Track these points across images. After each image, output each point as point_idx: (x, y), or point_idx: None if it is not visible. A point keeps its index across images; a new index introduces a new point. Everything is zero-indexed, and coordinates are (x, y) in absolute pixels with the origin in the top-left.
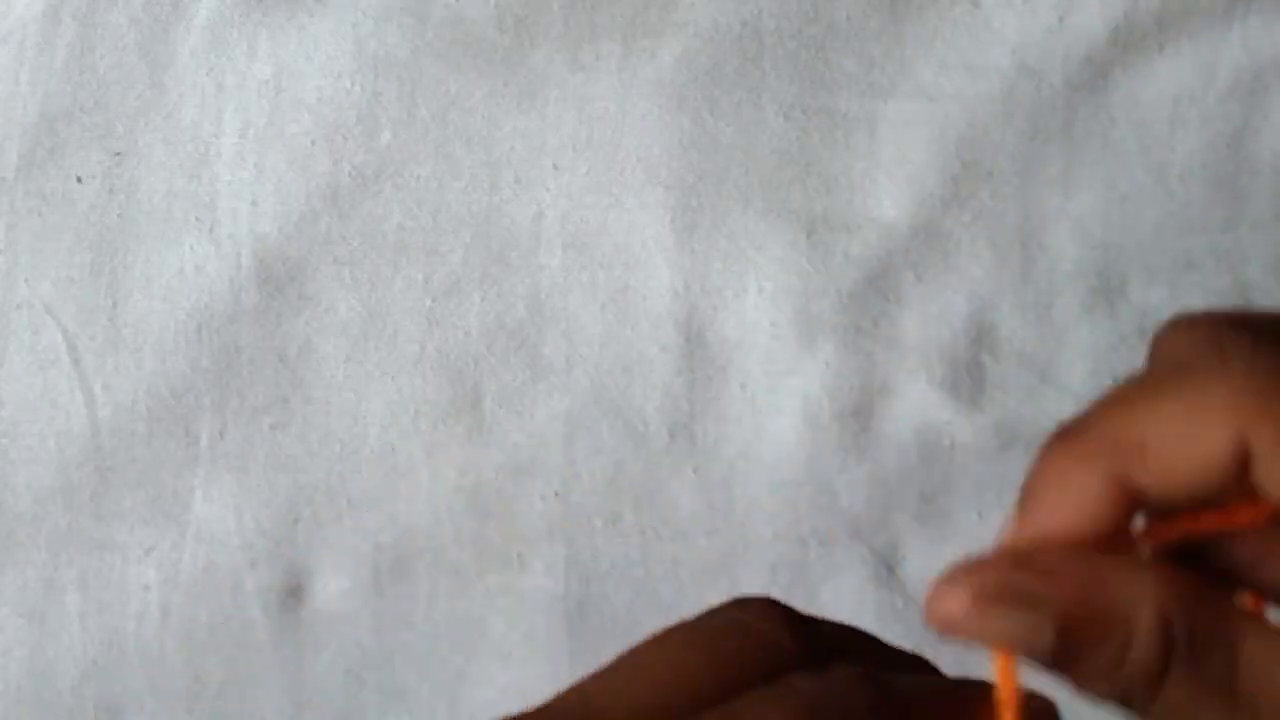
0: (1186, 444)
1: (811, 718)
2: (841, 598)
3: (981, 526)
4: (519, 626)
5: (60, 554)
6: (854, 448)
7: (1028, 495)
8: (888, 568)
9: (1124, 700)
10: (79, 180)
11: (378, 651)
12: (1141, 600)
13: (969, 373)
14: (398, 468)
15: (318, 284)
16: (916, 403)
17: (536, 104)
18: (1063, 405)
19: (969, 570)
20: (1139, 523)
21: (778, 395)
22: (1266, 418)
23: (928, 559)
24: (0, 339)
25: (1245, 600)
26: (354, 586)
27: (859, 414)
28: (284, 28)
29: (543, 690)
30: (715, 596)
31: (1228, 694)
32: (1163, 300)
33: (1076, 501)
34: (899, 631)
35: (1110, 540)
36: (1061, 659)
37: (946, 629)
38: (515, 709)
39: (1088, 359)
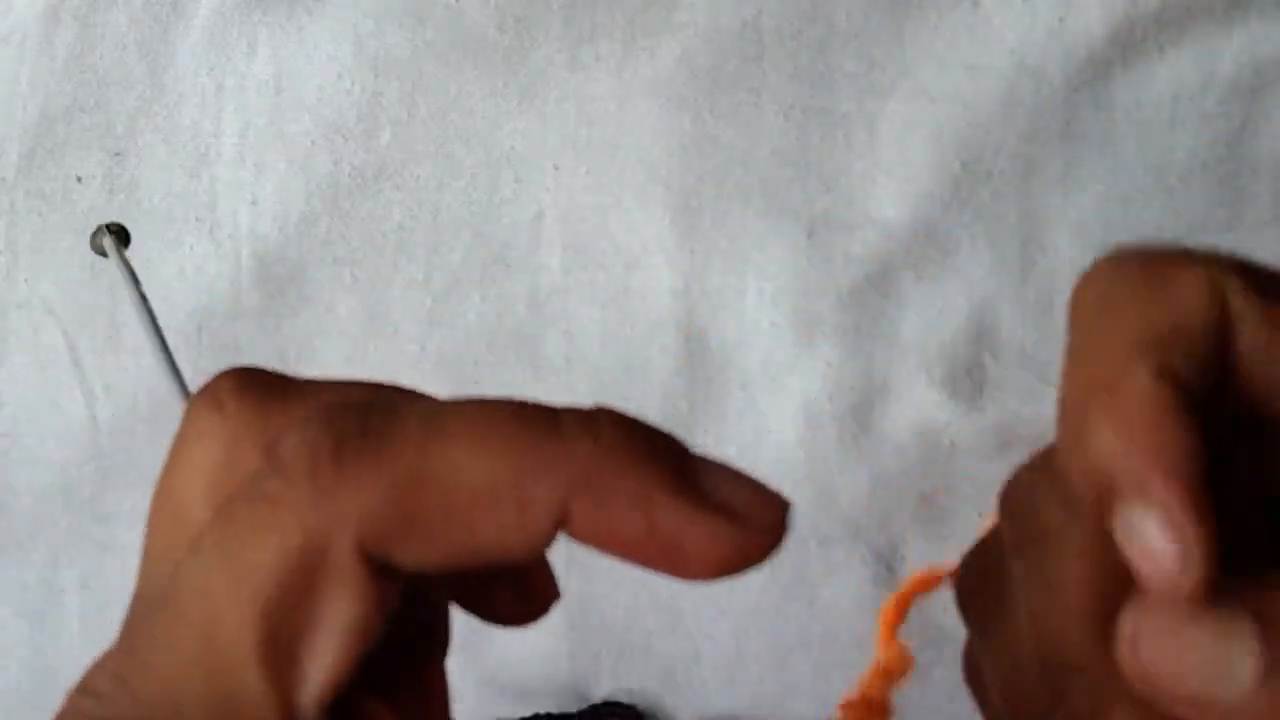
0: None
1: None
2: (841, 598)
3: (981, 526)
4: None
5: (60, 554)
6: (854, 448)
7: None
8: (888, 568)
9: None
10: (79, 180)
11: None
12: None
13: (969, 373)
14: None
15: (318, 284)
16: (916, 403)
17: (536, 104)
18: None
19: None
20: None
21: (778, 395)
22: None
23: (928, 559)
24: (0, 339)
25: None
26: None
27: (859, 414)
28: (284, 28)
29: (543, 690)
30: (715, 596)
31: None
32: None
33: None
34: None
35: None
36: None
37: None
38: (516, 709)
39: None
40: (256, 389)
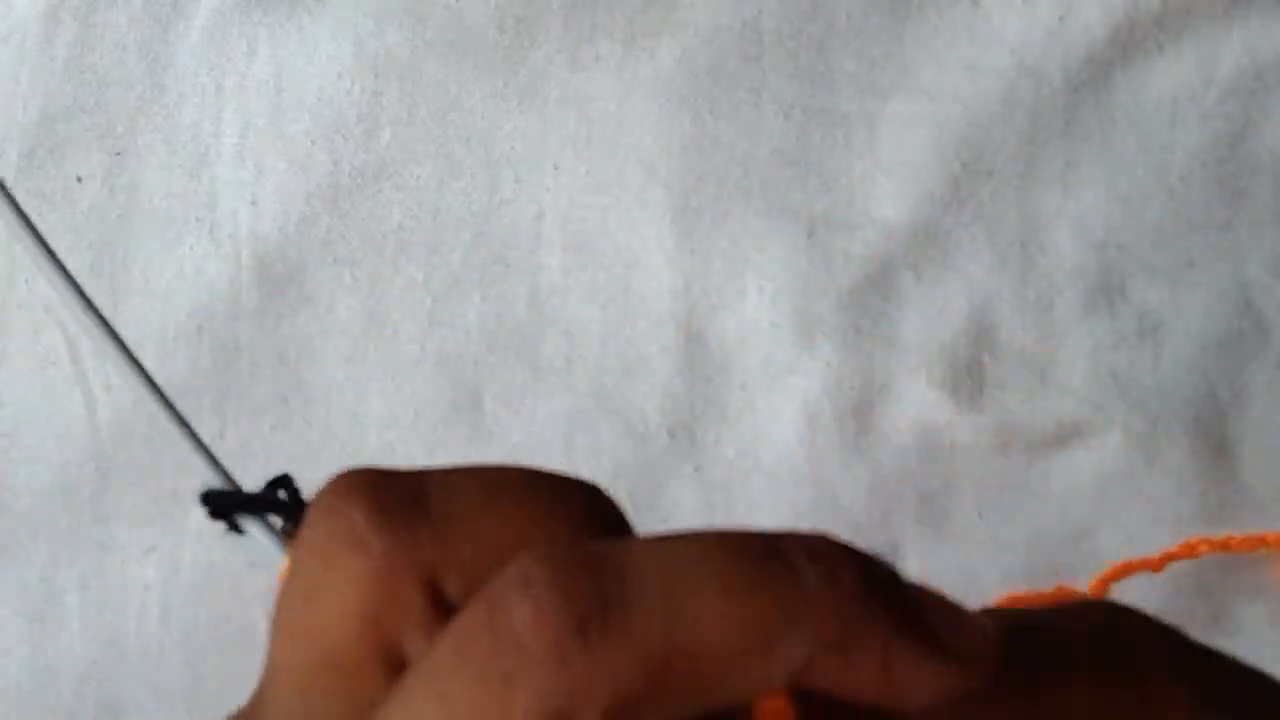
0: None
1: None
2: None
3: (981, 526)
4: None
5: (60, 554)
6: (854, 448)
7: None
8: None
9: None
10: (79, 180)
11: None
12: None
13: (969, 373)
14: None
15: (318, 284)
16: (916, 403)
17: (536, 104)
18: (1063, 405)
19: None
20: None
21: (778, 395)
22: None
23: (928, 559)
24: (0, 339)
25: None
26: None
27: (859, 414)
28: (284, 28)
29: None
30: None
31: None
32: (1163, 300)
33: None
34: None
35: None
36: None
37: None
38: None
39: (1088, 359)
40: (395, 515)
